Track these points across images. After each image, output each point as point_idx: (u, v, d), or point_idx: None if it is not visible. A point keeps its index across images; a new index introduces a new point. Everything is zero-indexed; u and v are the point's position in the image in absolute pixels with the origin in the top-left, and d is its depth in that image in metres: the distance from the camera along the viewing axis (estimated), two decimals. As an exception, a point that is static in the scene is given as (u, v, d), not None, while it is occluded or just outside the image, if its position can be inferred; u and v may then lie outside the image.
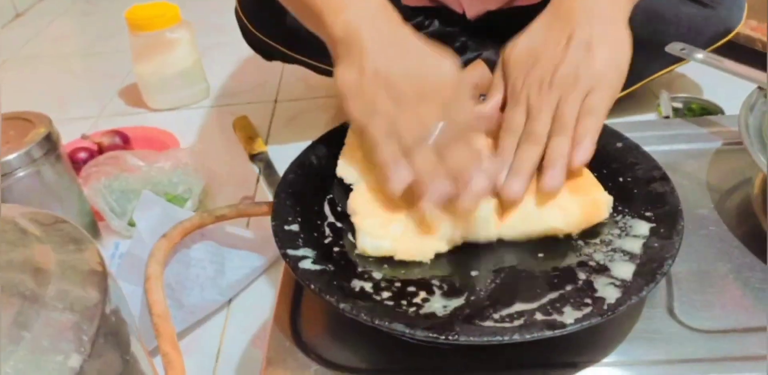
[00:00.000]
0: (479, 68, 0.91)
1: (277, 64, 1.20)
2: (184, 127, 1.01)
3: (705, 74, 0.98)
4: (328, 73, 0.96)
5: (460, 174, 0.45)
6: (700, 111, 0.86)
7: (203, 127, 1.02)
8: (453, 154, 0.45)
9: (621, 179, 0.51)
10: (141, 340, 0.47)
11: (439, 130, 0.46)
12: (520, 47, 0.53)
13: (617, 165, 0.53)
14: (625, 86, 0.91)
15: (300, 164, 0.52)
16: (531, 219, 0.46)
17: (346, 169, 0.51)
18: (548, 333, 0.39)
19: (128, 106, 1.11)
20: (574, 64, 0.49)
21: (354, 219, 0.47)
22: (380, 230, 0.45)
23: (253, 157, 0.92)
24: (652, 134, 0.64)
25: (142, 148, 0.91)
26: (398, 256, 0.45)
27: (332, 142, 0.54)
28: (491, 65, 0.93)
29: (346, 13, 0.50)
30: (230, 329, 0.64)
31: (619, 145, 0.54)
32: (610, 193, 0.49)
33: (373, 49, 0.48)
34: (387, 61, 0.48)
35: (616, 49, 0.51)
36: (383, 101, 0.47)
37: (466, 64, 0.93)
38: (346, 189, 0.50)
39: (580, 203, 0.47)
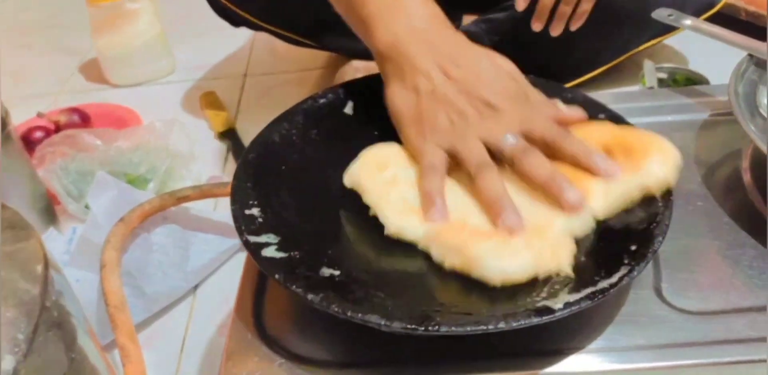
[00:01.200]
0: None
1: (246, 37, 1.15)
2: (148, 104, 0.96)
3: (689, 45, 0.95)
4: (298, 43, 0.92)
5: (546, 187, 0.41)
6: (686, 82, 0.83)
7: (169, 104, 0.97)
8: (531, 168, 0.41)
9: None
10: (93, 334, 0.44)
11: (510, 142, 0.42)
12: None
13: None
14: (610, 59, 0.90)
15: (262, 143, 0.48)
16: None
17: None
18: (536, 320, 0.36)
19: (89, 83, 1.06)
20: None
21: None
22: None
23: (222, 135, 0.88)
24: (637, 105, 0.61)
25: (103, 126, 0.86)
26: None
27: (297, 117, 0.50)
28: (471, 37, 0.90)
29: (393, 26, 0.46)
30: (196, 318, 0.61)
31: (602, 116, 0.51)
32: None
33: (426, 66, 0.44)
34: (443, 77, 0.44)
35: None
36: (443, 124, 0.43)
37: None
38: (318, 170, 0.47)
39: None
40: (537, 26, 0.73)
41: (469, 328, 0.36)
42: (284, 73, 1.04)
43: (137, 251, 0.60)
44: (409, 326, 0.36)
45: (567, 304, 0.37)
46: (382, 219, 0.41)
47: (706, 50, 0.95)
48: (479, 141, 0.43)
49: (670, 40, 0.94)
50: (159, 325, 0.60)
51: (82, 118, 0.87)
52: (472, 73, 0.44)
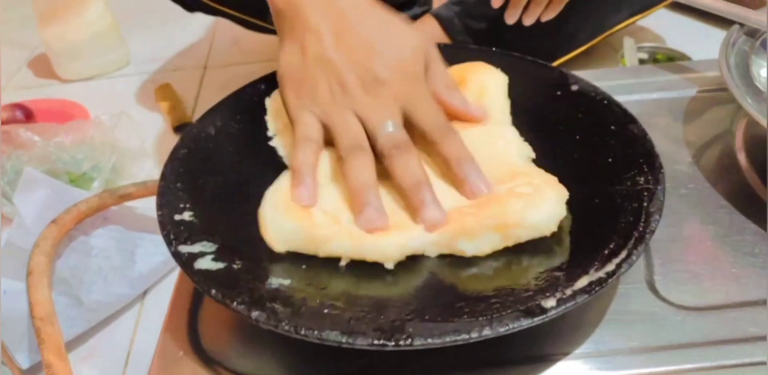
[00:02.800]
0: (429, 25, 0.82)
1: (206, 27, 1.09)
2: (99, 99, 0.90)
3: (667, 26, 0.92)
4: (258, 29, 0.86)
5: (408, 194, 0.36)
6: (667, 61, 0.79)
7: (122, 98, 0.91)
8: (400, 169, 0.37)
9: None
10: (9, 358, 0.38)
11: (387, 131, 0.38)
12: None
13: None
14: (587, 39, 0.85)
15: (194, 137, 0.42)
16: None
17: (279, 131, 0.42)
18: (526, 322, 0.31)
19: (38, 78, 0.99)
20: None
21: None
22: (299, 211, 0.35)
23: (178, 130, 0.82)
24: (619, 83, 0.56)
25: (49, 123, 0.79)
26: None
27: (237, 107, 0.44)
28: (442, 21, 0.85)
29: None
30: (144, 328, 0.55)
31: (575, 88, 0.46)
32: (572, 141, 0.42)
33: (319, 27, 0.40)
34: (334, 41, 0.40)
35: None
36: (323, 92, 0.39)
37: (413, 19, 0.85)
38: (263, 164, 0.41)
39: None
40: (510, 20, 0.69)
41: (448, 339, 0.30)
42: (247, 64, 0.99)
43: (74, 256, 0.54)
44: (376, 342, 0.30)
45: (561, 301, 0.31)
46: (380, 257, 0.35)
47: (685, 31, 0.91)
48: (356, 117, 0.38)
49: (648, 23, 0.90)
50: (101, 339, 0.54)
51: (26, 115, 0.81)
52: (367, 41, 0.40)
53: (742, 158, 0.48)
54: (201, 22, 1.08)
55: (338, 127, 0.38)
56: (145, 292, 0.58)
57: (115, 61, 0.98)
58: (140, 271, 0.57)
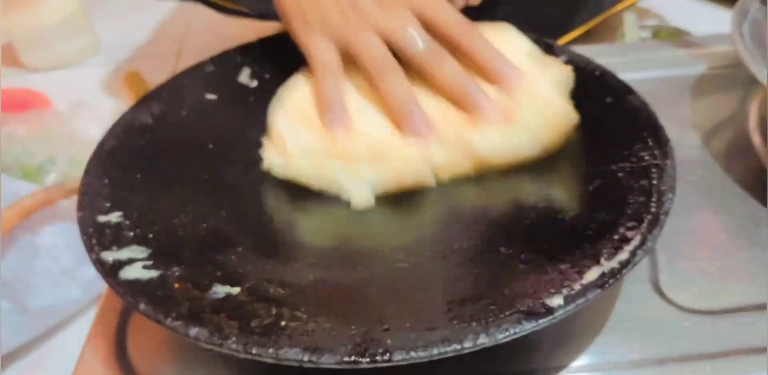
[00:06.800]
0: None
1: (182, 13, 1.04)
2: (66, 89, 0.84)
3: (671, 5, 0.86)
4: (233, 13, 0.81)
5: (458, 94, 0.35)
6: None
7: (90, 88, 0.86)
8: (440, 71, 0.36)
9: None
10: None
11: (413, 38, 0.36)
12: None
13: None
14: (584, 20, 0.81)
15: (126, 126, 0.37)
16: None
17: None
18: (529, 325, 0.26)
19: (3, 68, 0.94)
20: None
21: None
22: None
23: (147, 119, 0.77)
24: (621, 60, 0.51)
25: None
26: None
27: (176, 92, 0.39)
28: None
29: None
30: (97, 335, 0.50)
31: (563, 59, 0.41)
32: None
33: None
34: None
35: None
36: (333, 14, 0.37)
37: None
38: (206, 157, 0.36)
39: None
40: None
41: (435, 351, 0.25)
42: (224, 51, 0.93)
43: (17, 257, 0.49)
44: (346, 359, 0.25)
45: (569, 298, 0.26)
46: (404, 167, 0.34)
47: (690, 11, 0.86)
48: (376, 34, 0.37)
49: (650, 3, 0.85)
50: (50, 348, 0.49)
51: (-17, 106, 0.75)
52: None
53: (756, 140, 0.43)
54: (177, 9, 1.03)
55: (360, 46, 0.36)
56: (99, 297, 0.53)
57: (84, 48, 0.93)
58: (94, 273, 0.51)
